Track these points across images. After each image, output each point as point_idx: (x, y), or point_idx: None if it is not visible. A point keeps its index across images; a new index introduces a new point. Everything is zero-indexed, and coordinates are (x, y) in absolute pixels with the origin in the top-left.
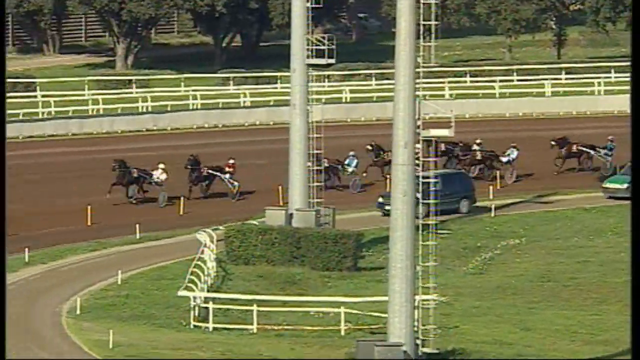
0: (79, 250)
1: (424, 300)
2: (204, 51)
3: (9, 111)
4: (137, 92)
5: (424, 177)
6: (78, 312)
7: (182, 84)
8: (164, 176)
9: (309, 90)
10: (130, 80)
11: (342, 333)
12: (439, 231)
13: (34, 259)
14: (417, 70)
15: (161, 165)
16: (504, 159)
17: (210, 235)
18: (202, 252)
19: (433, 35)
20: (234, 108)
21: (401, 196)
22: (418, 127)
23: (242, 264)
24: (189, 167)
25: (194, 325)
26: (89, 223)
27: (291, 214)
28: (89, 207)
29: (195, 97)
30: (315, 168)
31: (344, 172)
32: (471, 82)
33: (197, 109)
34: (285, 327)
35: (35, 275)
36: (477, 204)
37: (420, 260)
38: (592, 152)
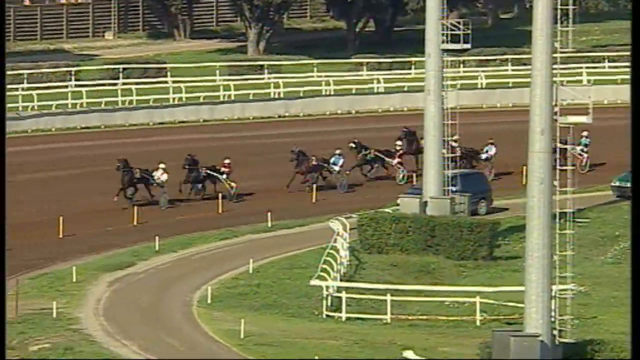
0: (210, 238)
1: (561, 290)
2: (336, 36)
3: (139, 97)
4: (268, 78)
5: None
6: (209, 301)
7: (315, 69)
8: (165, 177)
9: (444, 76)
10: (262, 66)
11: (478, 323)
12: (576, 220)
13: (164, 248)
14: (554, 55)
15: (161, 165)
16: (483, 156)
17: (343, 223)
18: (335, 241)
19: (570, 20)
20: (367, 94)
21: (538, 184)
22: (555, 113)
23: (376, 253)
24: (186, 166)
25: (327, 315)
26: (220, 210)
27: (425, 202)
28: (219, 195)
29: (327, 83)
30: (449, 155)
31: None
32: (609, 67)
33: (329, 95)
34: (420, 317)
35: (166, 264)
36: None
37: (557, 250)
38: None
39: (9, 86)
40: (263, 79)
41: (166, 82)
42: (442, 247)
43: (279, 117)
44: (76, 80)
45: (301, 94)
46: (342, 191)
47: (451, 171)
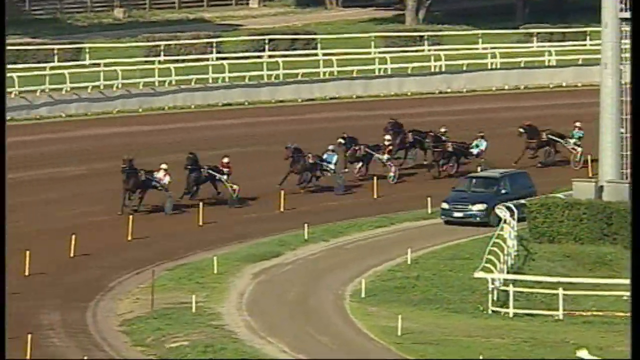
0: (363, 226)
1: None
2: (504, 4)
3: (286, 71)
4: (429, 50)
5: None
6: (363, 295)
7: (480, 40)
8: (167, 179)
9: (622, 48)
10: (421, 37)
11: None
12: None
13: (313, 236)
14: None
15: (163, 166)
16: (474, 151)
17: (510, 209)
18: (502, 229)
19: None
20: (537, 68)
21: None
22: None
23: (547, 242)
24: (188, 167)
25: (492, 311)
26: (375, 196)
27: (601, 187)
28: (374, 178)
29: (494, 56)
30: (627, 135)
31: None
32: None
33: (496, 68)
34: (595, 313)
35: (316, 254)
36: None
37: None
38: (561, 141)
39: (145, 59)
40: (422, 51)
41: (316, 54)
42: (620, 236)
43: (440, 93)
44: (217, 52)
45: (464, 68)
46: (340, 192)
47: (498, 171)
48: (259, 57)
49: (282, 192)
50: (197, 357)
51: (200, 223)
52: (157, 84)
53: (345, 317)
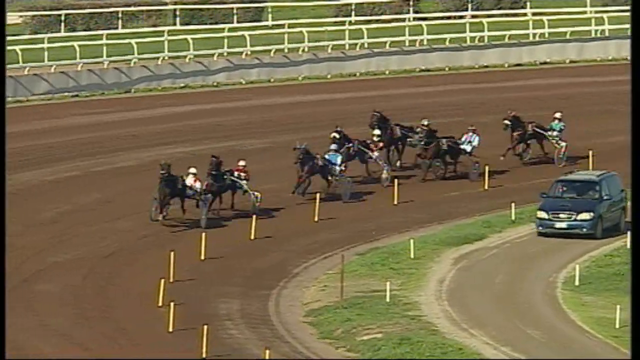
0: None
1: None
2: None
3: (492, 33)
4: None
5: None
6: (577, 282)
7: None
8: (197, 185)
9: None
10: None
11: None
12: None
13: (521, 217)
14: None
15: (192, 170)
16: (468, 148)
17: None
18: None
19: None
20: None
21: None
22: None
23: None
24: (212, 172)
25: None
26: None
27: None
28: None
29: None
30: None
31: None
32: None
33: None
34: None
35: (524, 237)
36: None
37: None
38: (547, 134)
39: (334, 19)
40: None
41: (524, 14)
42: None
43: None
44: (415, 12)
45: None
46: (346, 199)
47: (592, 173)
48: (460, 17)
49: (487, 167)
50: (391, 351)
51: (395, 202)
52: (347, 47)
53: (556, 308)
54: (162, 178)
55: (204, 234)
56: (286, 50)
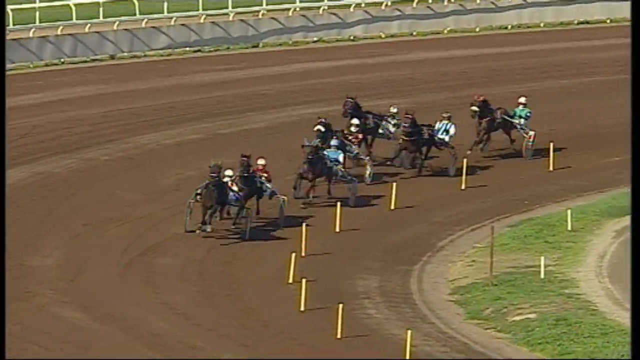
0: None
1: None
2: None
3: None
4: None
5: None
6: None
7: None
8: (234, 189)
9: None
10: None
11: None
12: None
13: None
14: None
15: (228, 172)
16: (446, 138)
17: None
18: None
19: None
20: None
21: None
22: None
23: None
24: (245, 174)
25: None
26: None
27: None
28: None
29: None
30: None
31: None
32: None
33: None
34: None
35: None
36: None
37: None
38: (516, 122)
39: None
40: None
41: None
42: None
43: None
44: None
45: None
46: (351, 203)
47: None
48: None
49: None
50: (546, 333)
51: (551, 168)
52: None
53: None
54: (211, 182)
55: (338, 204)
56: (430, 1)
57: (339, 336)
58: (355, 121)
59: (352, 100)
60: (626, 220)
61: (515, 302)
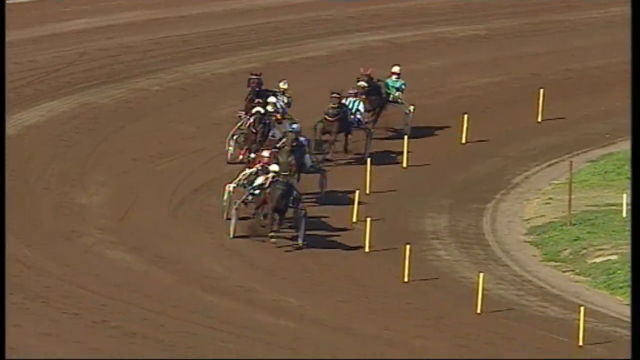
0: None
1: None
2: None
3: None
4: None
5: None
6: None
7: None
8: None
9: None
10: None
11: None
12: None
13: None
14: None
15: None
16: (360, 118)
17: None
18: None
19: None
20: None
21: None
22: None
23: None
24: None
25: None
26: None
27: None
28: None
29: None
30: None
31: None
32: None
33: None
34: None
35: None
36: None
37: None
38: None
39: None
40: None
41: None
42: None
43: None
44: None
45: None
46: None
47: None
48: None
49: None
50: (628, 275)
51: None
52: None
53: None
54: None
55: (405, 137)
56: None
57: (406, 279)
58: (272, 99)
59: (256, 77)
60: None
61: (595, 243)
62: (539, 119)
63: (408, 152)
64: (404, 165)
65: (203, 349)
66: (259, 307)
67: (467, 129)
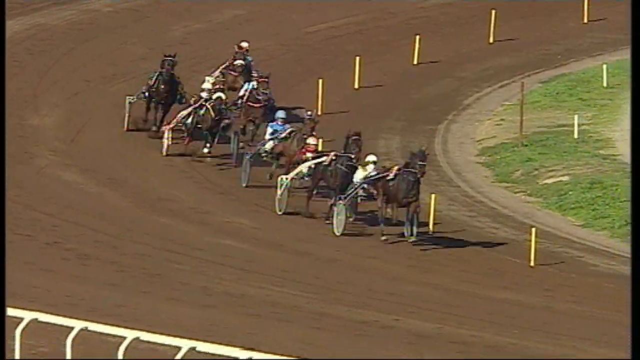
0: None
1: None
2: None
3: None
4: None
5: None
6: None
7: None
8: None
9: None
10: None
11: None
12: None
13: None
14: None
15: (372, 158)
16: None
17: None
18: None
19: None
20: None
21: None
22: None
23: None
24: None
25: None
26: None
27: None
28: None
29: None
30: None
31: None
32: None
33: None
34: None
35: None
36: None
37: None
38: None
39: None
40: None
41: None
42: None
43: None
44: None
45: None
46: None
47: None
48: None
49: None
50: (579, 196)
51: (585, 20)
52: None
53: None
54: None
55: (358, 59)
56: None
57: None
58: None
59: (169, 59)
60: None
61: (547, 164)
62: (491, 40)
63: (361, 73)
64: (356, 86)
65: (157, 270)
66: (213, 229)
67: (419, 50)
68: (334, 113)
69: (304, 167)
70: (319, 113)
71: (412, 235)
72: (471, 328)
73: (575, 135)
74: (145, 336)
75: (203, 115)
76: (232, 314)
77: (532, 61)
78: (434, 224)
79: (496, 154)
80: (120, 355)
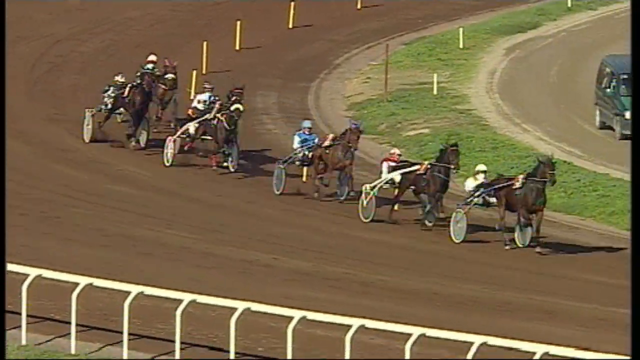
0: None
1: None
2: None
3: None
4: None
5: None
6: None
7: None
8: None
9: None
10: None
11: None
12: None
13: (578, 4)
14: None
15: (482, 168)
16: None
17: None
18: None
19: None
20: None
21: None
22: None
23: None
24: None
25: None
26: None
27: None
28: None
29: None
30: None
31: None
32: None
33: None
34: None
35: (580, 26)
36: None
37: None
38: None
39: None
40: None
41: None
42: None
43: None
44: None
45: None
46: (342, 197)
47: None
48: None
49: None
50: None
51: None
52: None
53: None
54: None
55: (238, 23)
56: None
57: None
58: (200, 98)
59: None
60: (517, 38)
61: (409, 118)
62: (359, 7)
63: (242, 35)
64: (237, 48)
65: (57, 214)
66: (111, 178)
67: (294, 15)
68: (218, 72)
69: (395, 175)
70: (204, 72)
71: (532, 242)
72: (345, 266)
73: (435, 92)
74: (46, 274)
75: (215, 126)
76: (125, 254)
77: (395, 25)
78: (307, 174)
79: (363, 108)
80: (24, 291)
